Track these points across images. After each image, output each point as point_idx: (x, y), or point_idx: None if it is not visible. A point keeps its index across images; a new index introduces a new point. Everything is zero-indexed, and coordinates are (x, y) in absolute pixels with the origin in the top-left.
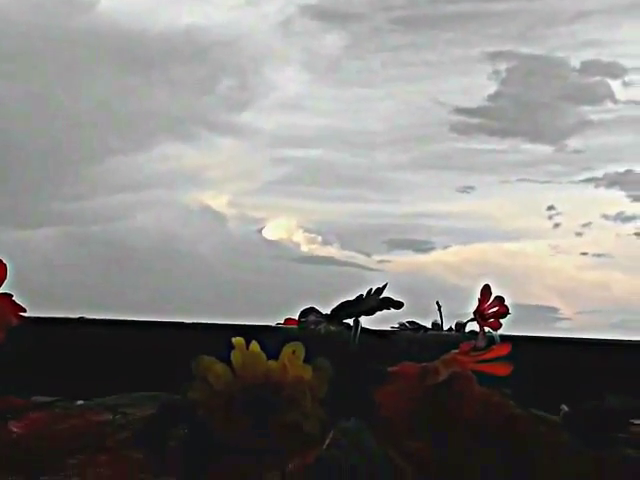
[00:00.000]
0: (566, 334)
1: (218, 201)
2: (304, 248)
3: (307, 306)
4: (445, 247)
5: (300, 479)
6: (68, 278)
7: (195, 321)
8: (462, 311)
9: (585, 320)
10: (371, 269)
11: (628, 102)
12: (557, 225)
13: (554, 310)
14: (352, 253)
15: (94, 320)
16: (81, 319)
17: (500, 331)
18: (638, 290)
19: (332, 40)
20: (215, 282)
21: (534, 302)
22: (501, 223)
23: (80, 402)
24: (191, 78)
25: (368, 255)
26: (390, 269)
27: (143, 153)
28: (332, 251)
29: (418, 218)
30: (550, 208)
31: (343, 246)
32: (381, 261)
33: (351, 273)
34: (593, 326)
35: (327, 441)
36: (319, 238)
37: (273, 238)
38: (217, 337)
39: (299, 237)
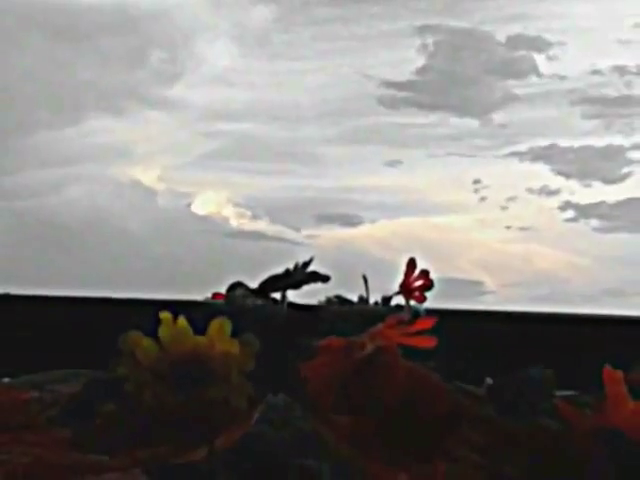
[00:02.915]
0: (491, 307)
1: (148, 175)
2: (233, 223)
3: (235, 280)
4: (373, 221)
5: (228, 454)
6: None
7: (122, 296)
8: (390, 285)
9: (509, 293)
10: (300, 243)
11: (552, 76)
12: (483, 199)
13: (479, 283)
14: (281, 227)
15: (19, 296)
16: (5, 295)
17: (426, 304)
18: (561, 263)
19: (261, 13)
20: (145, 257)
21: (460, 275)
22: (428, 197)
23: (6, 380)
24: (121, 51)
25: (297, 229)
26: (319, 243)
27: (72, 127)
28: (261, 226)
29: (346, 192)
30: (476, 182)
31: (272, 220)
32: (310, 235)
33: (280, 248)
34: (517, 299)
35: (255, 416)
36: (248, 213)
37: (202, 213)
38: (145, 312)
39: (228, 212)
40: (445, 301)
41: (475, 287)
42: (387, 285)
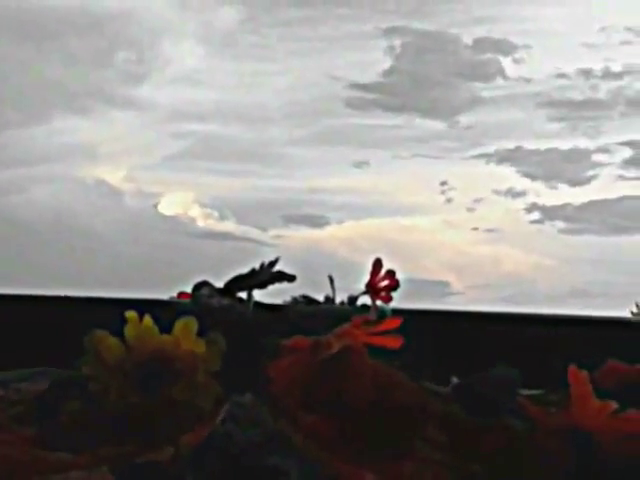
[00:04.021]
0: (457, 308)
1: (114, 176)
2: (200, 223)
3: (201, 280)
4: (340, 222)
5: (194, 453)
6: None
7: (88, 295)
8: (356, 285)
9: (476, 294)
10: (267, 244)
11: (518, 79)
12: (449, 200)
13: (446, 284)
14: (248, 228)
15: None
16: None
17: (392, 304)
18: (527, 264)
19: (228, 14)
20: (111, 257)
21: (427, 276)
22: (395, 198)
23: None
24: (87, 50)
25: (264, 230)
26: (286, 244)
27: (38, 127)
28: (228, 226)
29: (313, 193)
30: (443, 183)
31: (239, 221)
32: (277, 236)
33: (247, 248)
34: (484, 300)
35: (221, 415)
36: (215, 213)
37: (169, 213)
38: (110, 311)
39: (195, 212)
40: (412, 302)
41: (441, 288)
42: (354, 285)
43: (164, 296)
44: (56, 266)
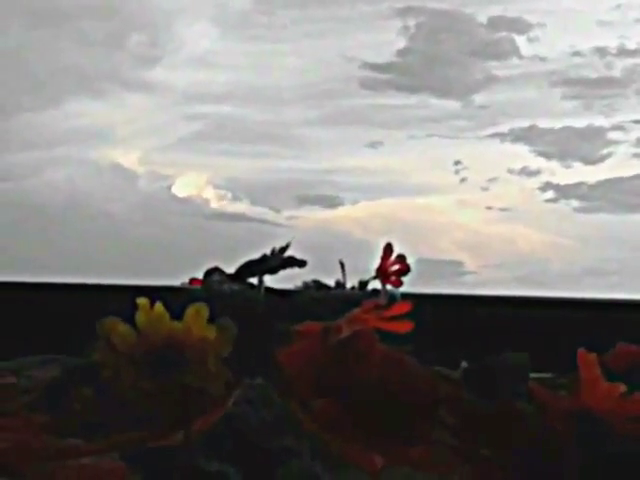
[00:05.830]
0: (471, 288)
1: (128, 158)
2: (214, 204)
3: (214, 264)
4: (354, 203)
5: (207, 436)
6: None
7: (99, 282)
8: (369, 265)
9: (490, 274)
10: (280, 225)
11: (533, 58)
12: (464, 180)
13: (460, 264)
14: (262, 209)
15: None
16: None
17: (403, 288)
18: (541, 244)
19: None
20: (125, 240)
21: (441, 256)
22: (409, 178)
23: None
24: (101, 33)
25: (278, 211)
26: (299, 225)
27: (53, 110)
28: (242, 207)
29: (327, 174)
30: (457, 163)
31: (253, 202)
32: (290, 217)
33: (261, 229)
34: (498, 280)
35: (231, 400)
36: (229, 194)
37: (183, 195)
38: (122, 298)
39: (209, 193)
40: (426, 282)
41: (455, 268)
42: (368, 266)
43: (177, 281)
44: (70, 248)
